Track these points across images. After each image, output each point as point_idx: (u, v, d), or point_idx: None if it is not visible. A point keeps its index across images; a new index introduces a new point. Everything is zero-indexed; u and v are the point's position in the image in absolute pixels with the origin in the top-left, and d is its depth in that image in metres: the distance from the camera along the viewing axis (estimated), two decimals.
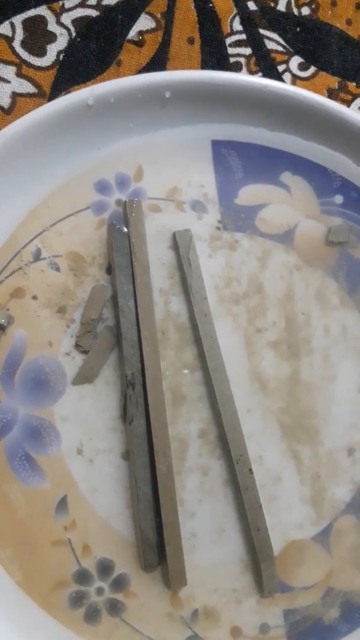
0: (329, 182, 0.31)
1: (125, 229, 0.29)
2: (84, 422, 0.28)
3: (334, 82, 0.33)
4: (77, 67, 0.31)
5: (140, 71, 0.31)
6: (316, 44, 0.33)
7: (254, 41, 0.32)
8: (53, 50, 0.31)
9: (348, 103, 0.33)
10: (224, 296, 0.30)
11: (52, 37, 0.31)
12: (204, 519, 0.28)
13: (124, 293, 0.28)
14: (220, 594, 0.28)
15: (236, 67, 0.32)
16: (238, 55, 0.32)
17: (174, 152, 0.30)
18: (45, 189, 0.29)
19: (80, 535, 0.27)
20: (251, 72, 0.32)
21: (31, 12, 0.30)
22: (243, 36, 0.32)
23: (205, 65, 0.32)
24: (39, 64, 0.30)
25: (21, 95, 0.30)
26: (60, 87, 0.30)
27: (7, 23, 0.30)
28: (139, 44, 0.31)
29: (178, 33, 0.32)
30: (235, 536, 0.28)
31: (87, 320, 0.28)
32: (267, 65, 0.32)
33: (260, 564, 0.27)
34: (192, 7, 0.32)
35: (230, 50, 0.32)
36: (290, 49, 0.33)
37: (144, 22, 0.31)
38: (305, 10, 0.33)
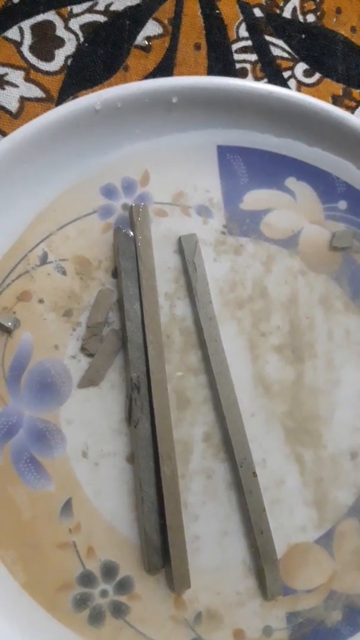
0: (333, 187, 0.31)
1: (131, 233, 0.29)
2: (89, 425, 0.28)
3: (338, 88, 0.33)
4: (85, 72, 0.31)
5: (147, 76, 0.32)
6: (321, 51, 0.33)
7: (260, 47, 0.33)
8: (61, 55, 0.31)
9: (352, 109, 0.33)
10: (228, 300, 0.30)
11: (60, 42, 0.31)
12: (208, 521, 0.28)
13: (130, 297, 0.28)
14: (224, 596, 0.28)
15: (242, 73, 0.33)
16: (244, 61, 0.33)
17: (180, 157, 0.30)
18: (52, 193, 0.29)
19: (84, 538, 0.27)
20: (257, 78, 0.33)
21: (40, 17, 0.31)
22: (249, 42, 0.33)
23: (211, 71, 0.32)
24: (47, 69, 0.31)
25: (29, 99, 0.30)
26: (68, 91, 0.31)
27: (15, 28, 0.30)
28: (146, 49, 0.32)
29: (185, 39, 0.32)
30: (239, 539, 0.28)
31: (93, 323, 0.28)
32: (272, 72, 0.33)
33: (264, 566, 0.28)
34: (199, 14, 0.32)
35: (236, 57, 0.32)
36: (296, 56, 0.33)
37: (151, 28, 0.32)
38: (311, 18, 0.33)
